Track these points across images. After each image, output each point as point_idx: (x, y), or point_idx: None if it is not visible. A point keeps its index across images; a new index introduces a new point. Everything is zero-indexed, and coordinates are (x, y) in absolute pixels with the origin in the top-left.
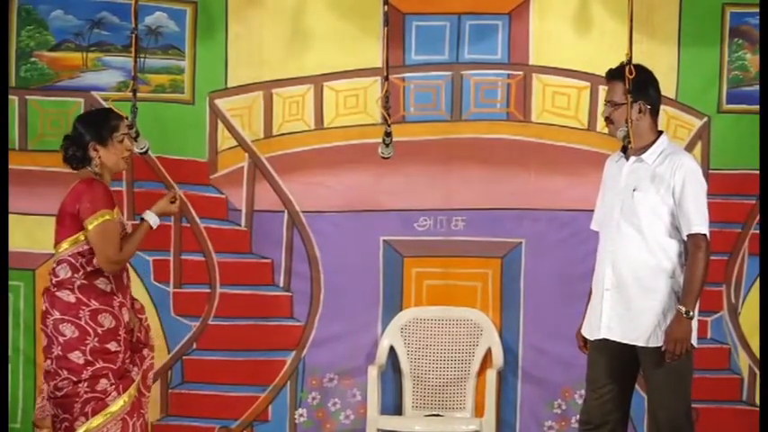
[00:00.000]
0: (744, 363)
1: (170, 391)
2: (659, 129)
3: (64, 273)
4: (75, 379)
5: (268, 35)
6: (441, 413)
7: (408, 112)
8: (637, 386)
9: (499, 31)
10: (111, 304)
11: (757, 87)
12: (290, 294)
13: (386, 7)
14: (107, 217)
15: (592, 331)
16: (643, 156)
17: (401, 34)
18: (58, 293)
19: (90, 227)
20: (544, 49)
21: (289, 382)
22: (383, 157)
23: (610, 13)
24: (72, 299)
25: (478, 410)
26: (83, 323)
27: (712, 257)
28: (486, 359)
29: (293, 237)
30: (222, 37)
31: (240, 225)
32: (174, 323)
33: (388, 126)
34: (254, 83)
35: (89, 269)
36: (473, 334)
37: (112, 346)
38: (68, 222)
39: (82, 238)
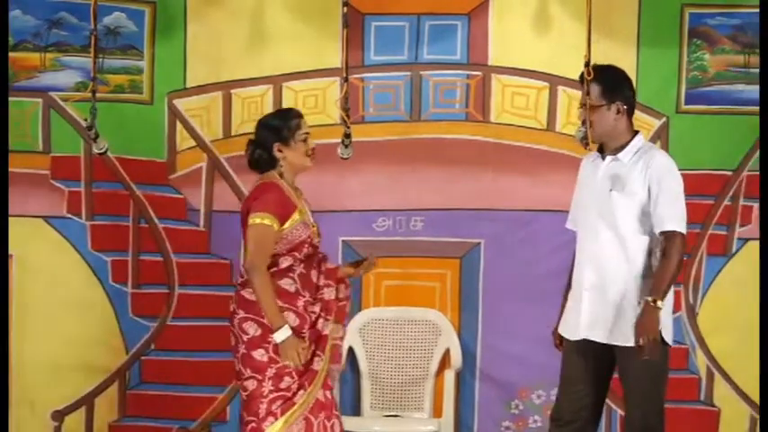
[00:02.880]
0: (701, 363)
1: (128, 391)
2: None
3: None
4: (259, 377)
5: (227, 35)
6: (399, 414)
7: (367, 113)
8: None
9: (458, 31)
10: (294, 304)
11: (716, 88)
12: None
13: (345, 8)
14: (266, 221)
15: (570, 331)
16: (619, 155)
17: (360, 35)
18: (242, 292)
19: (250, 223)
20: (503, 50)
21: None
22: (342, 158)
23: (569, 13)
24: (255, 297)
25: (437, 411)
26: (265, 321)
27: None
28: (445, 359)
29: None
30: (181, 37)
31: (199, 225)
32: (132, 324)
33: (348, 127)
34: (212, 83)
35: (273, 269)
36: (431, 334)
37: None
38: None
39: None
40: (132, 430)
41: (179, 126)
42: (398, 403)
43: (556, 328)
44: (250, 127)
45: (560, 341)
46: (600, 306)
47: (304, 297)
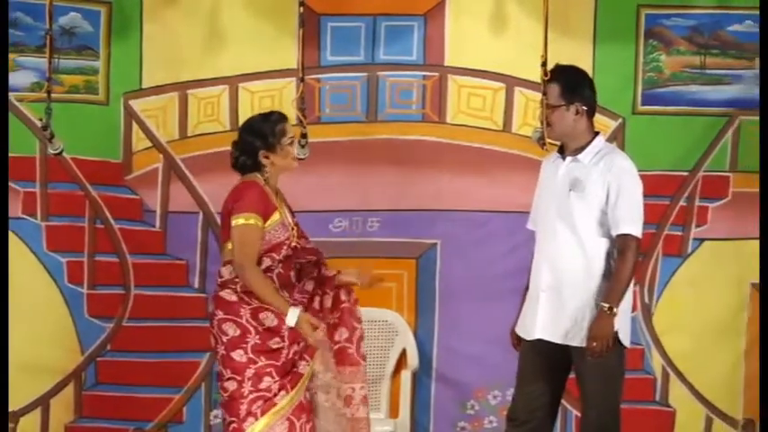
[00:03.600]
0: (657, 363)
1: (84, 392)
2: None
3: (228, 273)
4: (239, 378)
5: (183, 35)
6: None
7: (324, 113)
8: None
9: (414, 32)
10: None
11: (672, 89)
12: (205, 295)
13: (301, 8)
14: (251, 221)
15: (526, 331)
16: (579, 156)
17: (316, 35)
18: (221, 293)
19: (233, 224)
20: (459, 50)
21: (203, 384)
22: (298, 159)
23: (526, 13)
24: (234, 298)
25: (393, 411)
26: (244, 321)
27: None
28: (401, 360)
29: (208, 238)
30: (137, 37)
31: (154, 226)
32: (88, 325)
33: (304, 127)
34: (168, 83)
35: None
36: (388, 335)
37: (275, 344)
38: (228, 223)
39: None
40: (88, 431)
41: (135, 127)
42: None
43: (513, 328)
44: (206, 128)
45: (518, 341)
46: (556, 307)
47: (283, 297)
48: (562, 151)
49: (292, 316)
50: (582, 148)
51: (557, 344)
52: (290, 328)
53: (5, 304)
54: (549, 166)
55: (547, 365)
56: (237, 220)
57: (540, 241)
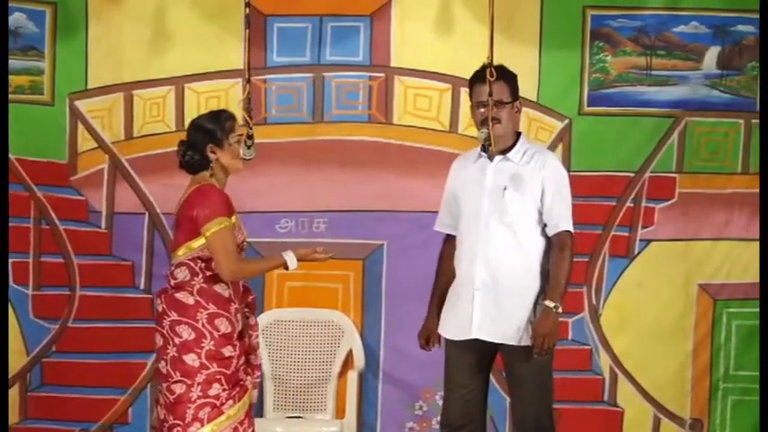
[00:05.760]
0: (605, 363)
1: (29, 393)
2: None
3: (183, 275)
4: (188, 382)
5: (128, 36)
6: (302, 415)
7: (270, 114)
8: (498, 387)
9: (361, 32)
10: (228, 309)
11: (618, 89)
12: (151, 296)
13: (247, 9)
14: (224, 225)
15: (459, 332)
16: (509, 155)
17: (263, 36)
18: (176, 295)
19: (208, 234)
20: (405, 51)
21: (149, 385)
22: (245, 159)
23: (472, 14)
24: (191, 301)
25: (339, 412)
26: (200, 326)
27: (573, 259)
28: (348, 361)
29: (154, 239)
30: (82, 38)
31: (100, 227)
32: (32, 325)
33: (250, 128)
34: (114, 84)
35: (208, 273)
36: (334, 335)
37: (227, 351)
38: (186, 227)
39: (199, 242)
40: None
41: (80, 127)
42: (301, 404)
43: (423, 330)
44: (152, 128)
45: (426, 342)
46: (492, 305)
47: (235, 304)
48: (485, 150)
49: (291, 260)
50: (509, 148)
51: (488, 343)
52: (240, 338)
53: (5, 304)
54: (470, 166)
55: (477, 364)
56: (211, 228)
57: (469, 241)
